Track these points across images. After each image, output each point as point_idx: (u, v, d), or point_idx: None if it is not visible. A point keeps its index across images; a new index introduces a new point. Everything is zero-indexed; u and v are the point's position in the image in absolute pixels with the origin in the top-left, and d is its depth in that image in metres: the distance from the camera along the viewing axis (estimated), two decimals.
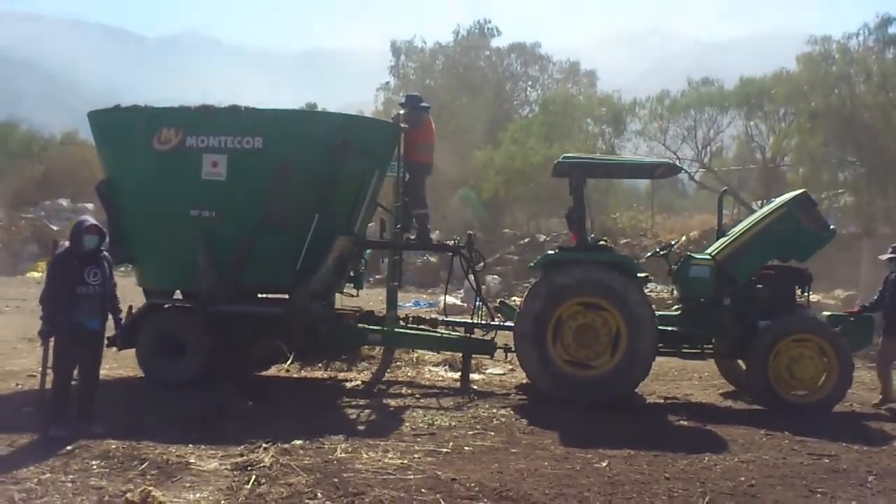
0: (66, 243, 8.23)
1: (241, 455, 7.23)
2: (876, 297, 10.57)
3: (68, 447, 7.31)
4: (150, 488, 6.12)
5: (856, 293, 17.85)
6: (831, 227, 10.79)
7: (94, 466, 6.86)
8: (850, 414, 9.99)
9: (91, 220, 8.26)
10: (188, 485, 6.47)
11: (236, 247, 10.07)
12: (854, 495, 6.66)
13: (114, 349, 9.80)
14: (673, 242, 12.80)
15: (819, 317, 10.68)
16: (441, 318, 11.99)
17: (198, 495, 6.24)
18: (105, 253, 8.22)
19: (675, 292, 12.13)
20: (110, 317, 8.26)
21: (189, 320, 10.38)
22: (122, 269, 13.08)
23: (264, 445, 7.48)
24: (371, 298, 15.54)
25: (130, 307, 10.54)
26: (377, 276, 22.16)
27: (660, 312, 10.74)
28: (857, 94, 21.20)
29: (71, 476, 6.57)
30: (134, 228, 10.49)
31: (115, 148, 10.68)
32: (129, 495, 6.02)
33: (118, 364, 11.13)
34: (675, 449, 7.85)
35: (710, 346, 10.56)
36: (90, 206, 32.75)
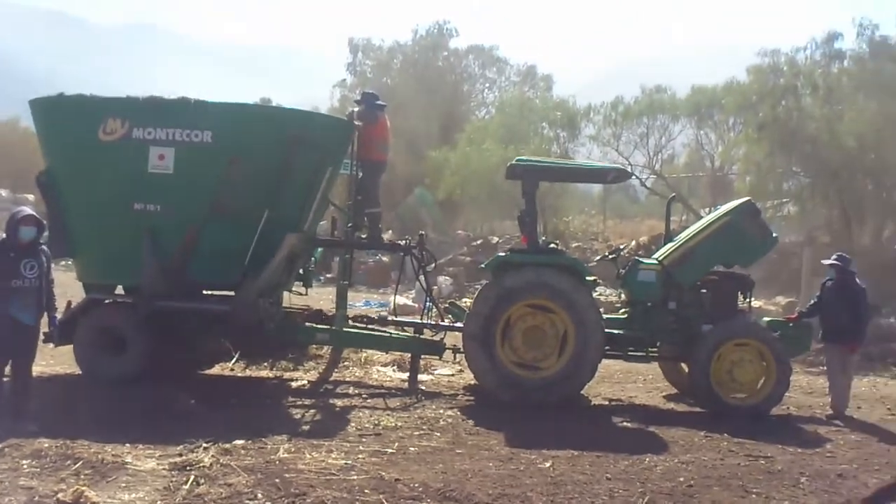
0: (3, 234, 8.03)
1: (180, 455, 7.14)
2: (812, 303, 10.78)
3: None
4: (84, 488, 6.02)
5: (796, 300, 18.21)
6: (774, 234, 11.00)
7: (25, 466, 6.69)
8: (786, 417, 10.17)
9: (28, 210, 8.06)
10: (123, 485, 6.36)
11: (182, 242, 9.93)
12: (787, 496, 6.81)
13: (50, 345, 9.58)
14: (622, 247, 12.95)
15: (759, 322, 10.86)
16: (391, 317, 11.95)
17: (133, 496, 6.14)
18: (43, 246, 8.03)
19: (622, 296, 12.26)
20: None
21: (130, 316, 10.17)
22: (63, 263, 12.80)
23: (204, 445, 7.38)
24: (321, 297, 15.46)
25: (69, 302, 10.34)
26: (328, 275, 22.04)
27: (607, 316, 10.85)
28: (804, 106, 21.63)
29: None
30: (75, 221, 10.26)
31: (58, 138, 10.44)
32: (60, 495, 5.89)
33: (54, 360, 10.88)
34: (617, 450, 7.94)
35: (655, 349, 10.69)
36: (31, 196, 32.04)
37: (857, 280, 10.34)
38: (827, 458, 8.16)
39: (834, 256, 10.58)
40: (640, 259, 11.03)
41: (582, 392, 10.39)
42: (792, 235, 22.75)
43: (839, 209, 21.18)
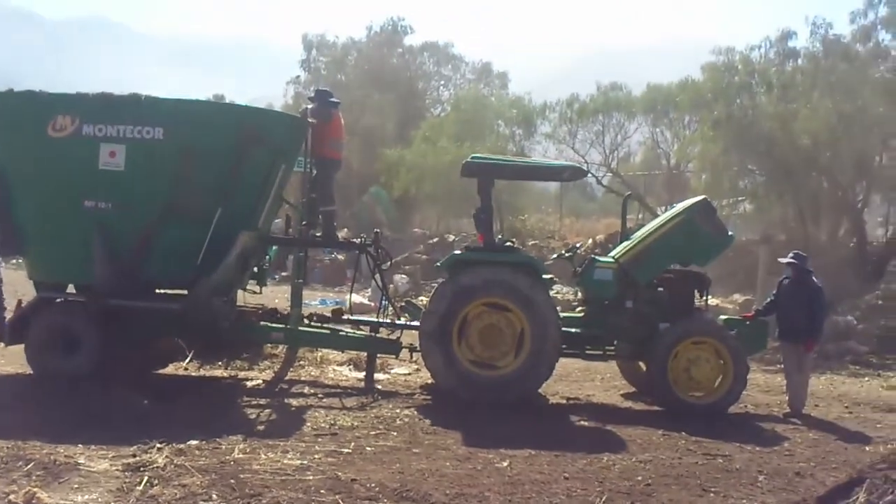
0: None
1: (134, 455, 7.03)
2: (768, 301, 10.89)
3: None
4: (36, 490, 5.93)
5: (753, 298, 18.44)
6: (730, 233, 11.10)
7: None
8: (744, 415, 10.27)
9: None
10: (76, 486, 6.27)
11: (134, 239, 9.77)
12: (745, 494, 6.85)
13: (0, 344, 9.38)
14: (578, 245, 12.98)
15: (716, 320, 10.95)
16: (346, 316, 11.86)
17: (86, 497, 6.05)
18: None
19: (579, 294, 12.29)
20: None
21: (82, 315, 10.02)
22: (13, 261, 12.54)
23: (158, 445, 7.27)
24: (276, 296, 15.32)
25: (20, 301, 10.14)
26: (283, 274, 21.85)
27: (564, 314, 10.87)
28: (758, 104, 21.89)
29: None
30: (25, 218, 10.07)
31: (7, 134, 10.21)
32: (12, 497, 5.80)
33: (5, 360, 10.68)
34: (575, 449, 7.95)
35: (613, 347, 10.73)
36: None
37: (814, 278, 10.47)
38: (785, 456, 8.23)
39: (791, 255, 10.69)
40: (597, 257, 11.05)
41: (539, 391, 10.40)
42: (748, 233, 23.02)
43: (795, 207, 21.48)
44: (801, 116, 20.49)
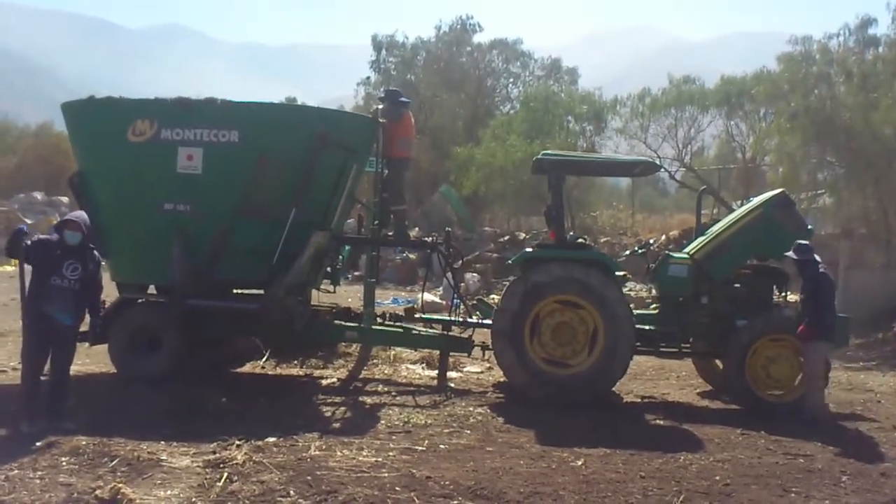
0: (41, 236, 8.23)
1: (214, 452, 7.18)
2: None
3: (38, 443, 7.22)
4: (121, 485, 6.06)
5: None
6: (809, 227, 10.80)
7: (64, 463, 6.79)
8: None
9: (79, 217, 8.22)
10: (159, 482, 6.42)
11: (211, 241, 9.98)
12: (828, 495, 6.68)
13: (86, 344, 9.68)
14: (651, 241, 12.81)
15: (796, 316, 10.65)
16: (419, 315, 11.92)
17: (169, 492, 6.18)
18: (95, 252, 8.17)
19: (653, 291, 12.13)
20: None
21: (163, 315, 10.26)
22: None
23: (237, 442, 7.43)
24: (349, 295, 15.48)
25: (103, 302, 10.43)
26: (356, 273, 22.10)
27: (638, 311, 10.74)
28: (837, 94, 21.24)
29: (39, 473, 6.50)
30: (107, 222, 10.33)
31: (89, 140, 10.59)
32: (98, 492, 5.95)
33: (90, 360, 11.01)
34: (651, 448, 7.84)
35: (688, 345, 10.56)
36: (65, 199, 32.46)
37: (820, 267, 9.45)
38: (869, 456, 7.97)
39: (793, 247, 9.57)
40: (671, 253, 10.89)
41: (613, 389, 10.29)
42: (828, 227, 22.40)
43: (876, 200, 20.79)
44: (883, 106, 19.79)
